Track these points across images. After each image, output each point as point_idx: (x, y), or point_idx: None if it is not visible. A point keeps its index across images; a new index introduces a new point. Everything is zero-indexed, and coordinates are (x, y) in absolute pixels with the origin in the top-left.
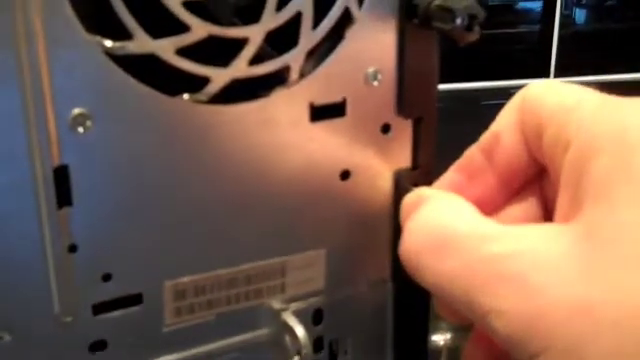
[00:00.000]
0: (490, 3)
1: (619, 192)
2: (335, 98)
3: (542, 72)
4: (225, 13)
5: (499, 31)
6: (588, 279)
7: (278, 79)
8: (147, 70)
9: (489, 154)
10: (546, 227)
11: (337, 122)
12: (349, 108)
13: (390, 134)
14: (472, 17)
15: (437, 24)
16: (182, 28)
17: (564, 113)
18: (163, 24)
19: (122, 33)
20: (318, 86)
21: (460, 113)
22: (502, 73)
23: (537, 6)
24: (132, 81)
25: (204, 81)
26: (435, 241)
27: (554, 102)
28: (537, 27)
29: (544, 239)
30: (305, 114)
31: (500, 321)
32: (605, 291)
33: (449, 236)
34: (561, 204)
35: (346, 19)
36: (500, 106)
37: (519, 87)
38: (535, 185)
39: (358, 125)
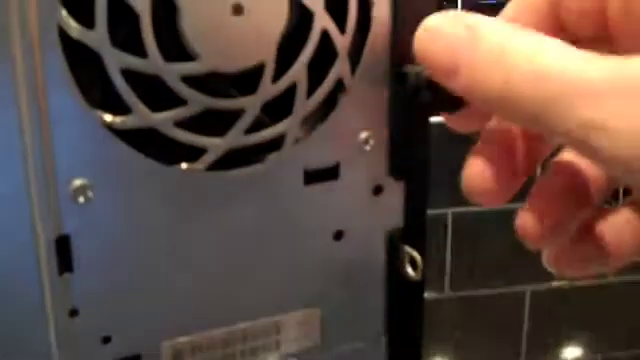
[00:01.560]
0: None
1: None
2: (328, 162)
3: None
4: (222, 85)
5: None
6: None
7: (273, 144)
8: (145, 139)
9: None
10: None
11: (331, 184)
12: (342, 171)
13: (382, 195)
14: None
15: (426, 95)
16: (180, 100)
17: None
18: (160, 94)
19: (122, 105)
20: (312, 151)
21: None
22: None
23: None
24: (131, 152)
25: (201, 150)
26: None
27: None
28: None
29: None
30: (299, 178)
31: (607, 140)
32: None
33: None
34: None
35: (339, 87)
36: None
37: None
38: None
39: (351, 187)
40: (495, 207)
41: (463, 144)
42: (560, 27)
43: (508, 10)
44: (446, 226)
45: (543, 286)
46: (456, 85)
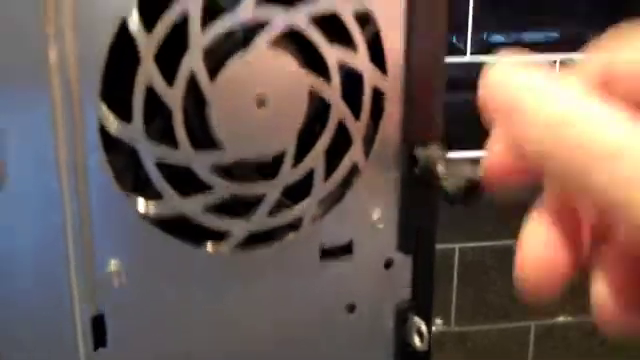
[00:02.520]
0: None
1: None
2: (343, 239)
3: None
4: (246, 171)
5: None
6: None
7: (292, 224)
8: (174, 222)
9: None
10: None
11: (345, 260)
12: (355, 247)
13: (392, 269)
14: (471, 187)
15: (436, 181)
16: (206, 186)
17: None
18: (187, 179)
19: (153, 191)
20: (328, 229)
21: None
22: None
23: None
24: (162, 235)
25: (226, 233)
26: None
27: None
28: None
29: None
30: (316, 255)
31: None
32: None
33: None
34: None
35: (354, 171)
36: None
37: None
38: None
39: (364, 262)
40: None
41: None
42: None
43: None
44: (453, 262)
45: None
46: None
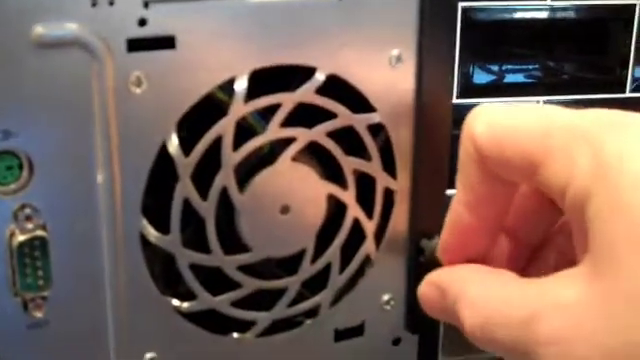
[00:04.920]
0: None
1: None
2: (355, 322)
3: None
4: (269, 268)
5: None
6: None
7: (309, 312)
8: (203, 315)
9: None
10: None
11: (357, 340)
12: (367, 329)
13: (400, 346)
14: None
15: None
16: (234, 283)
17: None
18: (216, 277)
19: (185, 289)
20: (342, 314)
21: None
22: None
23: None
24: (194, 328)
25: (251, 323)
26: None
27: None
28: None
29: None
30: (330, 337)
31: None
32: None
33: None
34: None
35: (366, 261)
36: None
37: None
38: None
39: (374, 341)
40: None
41: None
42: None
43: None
44: None
45: None
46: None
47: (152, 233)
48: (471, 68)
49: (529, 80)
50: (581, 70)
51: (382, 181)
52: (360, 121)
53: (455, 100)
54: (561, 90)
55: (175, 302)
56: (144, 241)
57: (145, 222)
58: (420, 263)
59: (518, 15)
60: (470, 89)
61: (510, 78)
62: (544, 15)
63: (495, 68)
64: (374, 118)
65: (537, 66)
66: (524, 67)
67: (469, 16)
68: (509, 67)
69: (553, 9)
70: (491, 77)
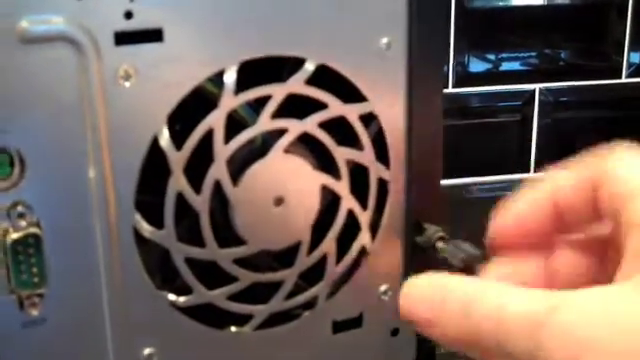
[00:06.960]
0: None
1: None
2: (353, 313)
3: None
4: (265, 261)
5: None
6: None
7: (307, 304)
8: (200, 309)
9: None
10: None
11: (355, 332)
12: (365, 320)
13: (399, 336)
14: (470, 260)
15: (438, 256)
16: (230, 277)
17: None
18: (212, 271)
19: (182, 283)
20: (339, 305)
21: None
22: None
23: None
24: (191, 322)
25: (248, 316)
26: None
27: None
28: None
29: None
30: (328, 329)
31: None
32: None
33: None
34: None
35: (362, 253)
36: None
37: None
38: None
39: (372, 332)
40: None
41: None
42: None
43: (516, 208)
44: None
45: None
46: (434, 335)
47: (146, 228)
48: (467, 57)
49: (525, 68)
50: (577, 57)
51: (375, 171)
52: (352, 111)
53: (451, 89)
54: (558, 77)
55: (172, 297)
56: (140, 236)
57: (139, 217)
58: (416, 252)
59: (514, 2)
60: (466, 78)
61: (506, 66)
62: (539, 2)
63: (491, 56)
64: (366, 108)
65: (533, 54)
66: (520, 55)
67: (462, 3)
68: (505, 55)
69: None
70: (487, 65)
